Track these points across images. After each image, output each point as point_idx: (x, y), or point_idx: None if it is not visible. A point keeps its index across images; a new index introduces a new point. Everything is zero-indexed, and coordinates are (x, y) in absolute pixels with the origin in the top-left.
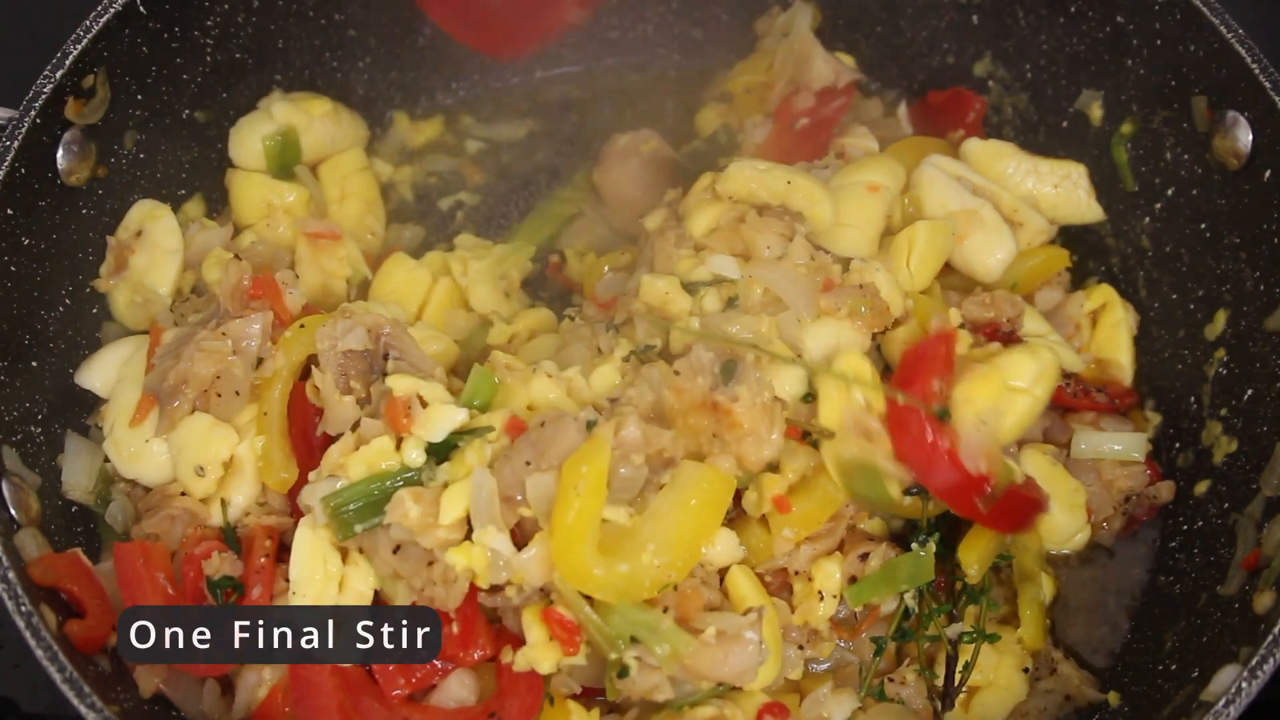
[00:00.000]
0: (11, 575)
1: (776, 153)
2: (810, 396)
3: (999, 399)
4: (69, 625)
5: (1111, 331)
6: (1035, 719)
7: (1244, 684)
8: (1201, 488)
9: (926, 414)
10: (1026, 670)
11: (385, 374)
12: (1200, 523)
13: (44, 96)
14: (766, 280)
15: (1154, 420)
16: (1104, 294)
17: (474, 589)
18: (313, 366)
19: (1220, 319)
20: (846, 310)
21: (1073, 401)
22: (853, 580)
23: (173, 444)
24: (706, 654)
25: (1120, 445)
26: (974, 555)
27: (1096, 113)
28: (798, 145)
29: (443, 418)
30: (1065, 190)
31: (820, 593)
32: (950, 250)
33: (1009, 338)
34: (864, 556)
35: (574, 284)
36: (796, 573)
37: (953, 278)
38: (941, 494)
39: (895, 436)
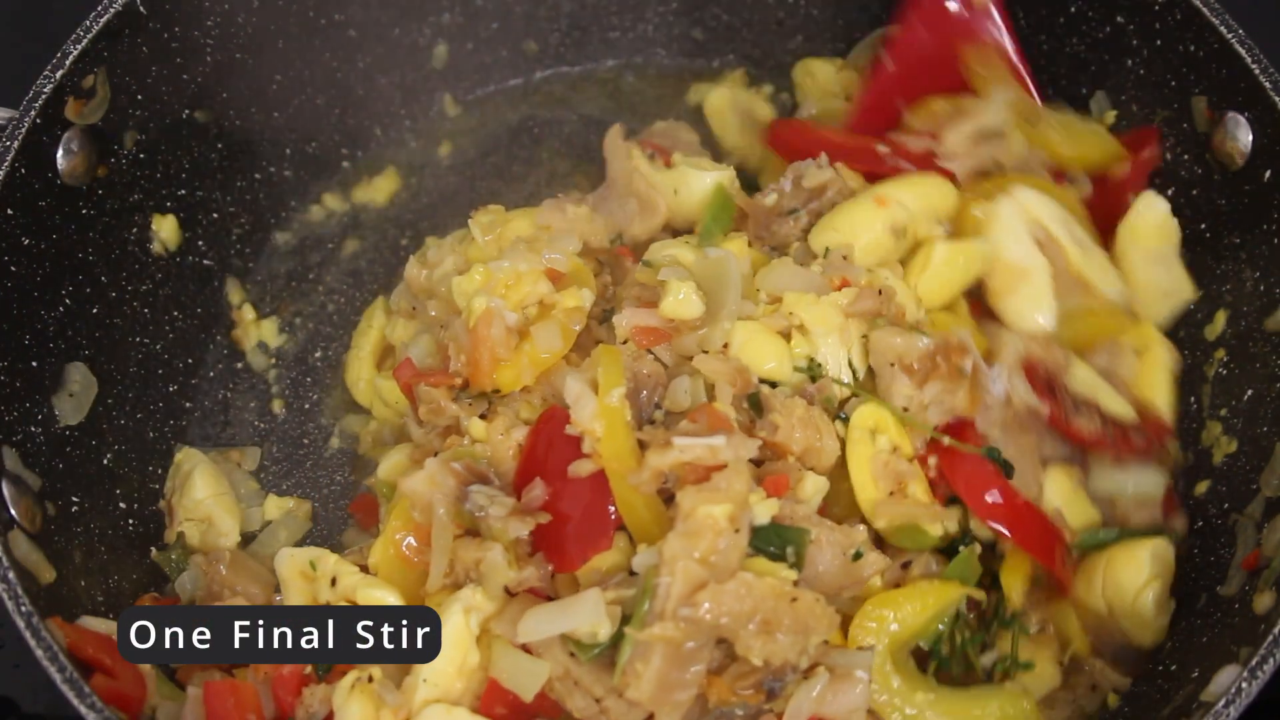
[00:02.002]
0: (12, 575)
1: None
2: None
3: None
4: (96, 680)
5: (1152, 374)
6: (1064, 706)
7: (1244, 684)
8: (1201, 488)
9: (993, 464)
10: (1061, 664)
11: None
12: (1200, 523)
13: (44, 96)
14: (773, 285)
15: (1176, 454)
16: (1146, 335)
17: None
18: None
19: (1220, 319)
20: (862, 313)
21: (1110, 449)
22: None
23: None
24: None
25: (1137, 485)
26: (1017, 579)
27: (1097, 113)
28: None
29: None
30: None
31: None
32: (972, 277)
33: (1051, 383)
34: (906, 565)
35: None
36: None
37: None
38: (1026, 544)
39: (965, 492)
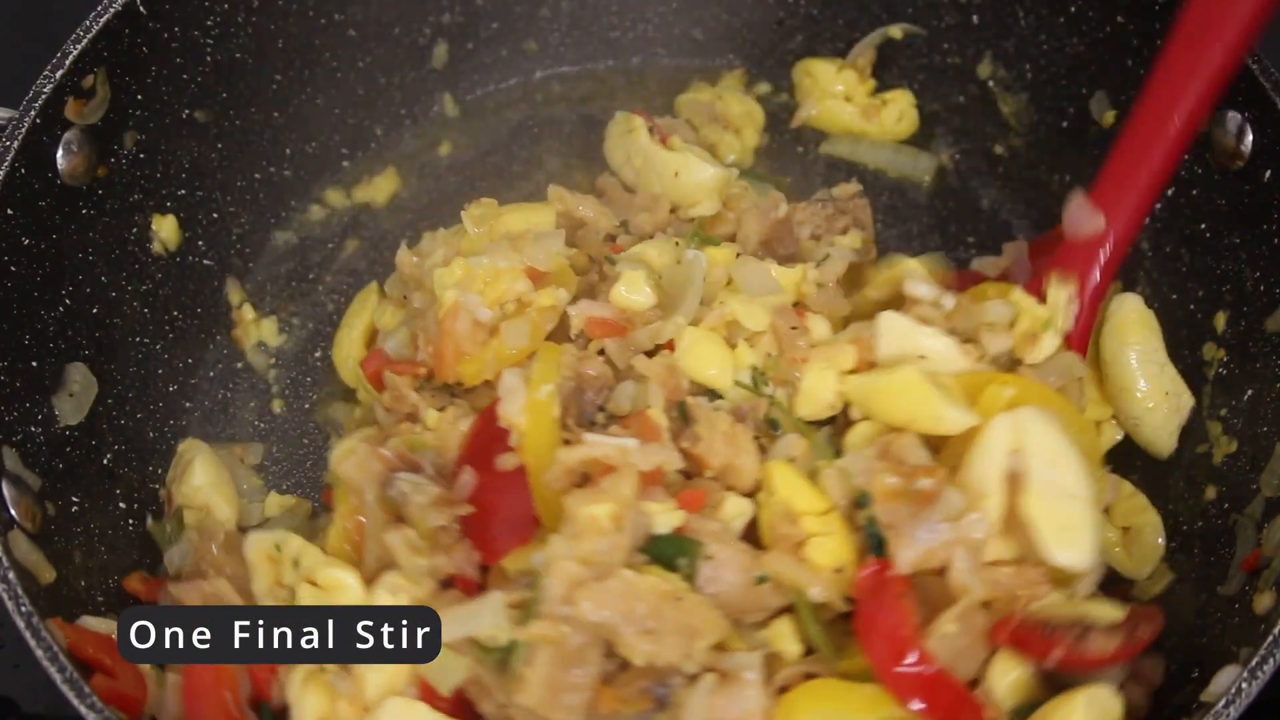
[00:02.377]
0: (12, 575)
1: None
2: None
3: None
4: (96, 680)
5: (1142, 548)
6: None
7: (1244, 684)
8: (1210, 493)
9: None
10: None
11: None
12: (1200, 523)
13: (44, 96)
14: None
15: None
16: (1136, 505)
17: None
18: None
19: (1220, 319)
20: (772, 325)
21: (1110, 661)
22: None
23: None
24: None
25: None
26: None
27: (1097, 113)
28: None
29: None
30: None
31: None
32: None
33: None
34: None
35: None
36: None
37: None
38: None
39: (875, 654)
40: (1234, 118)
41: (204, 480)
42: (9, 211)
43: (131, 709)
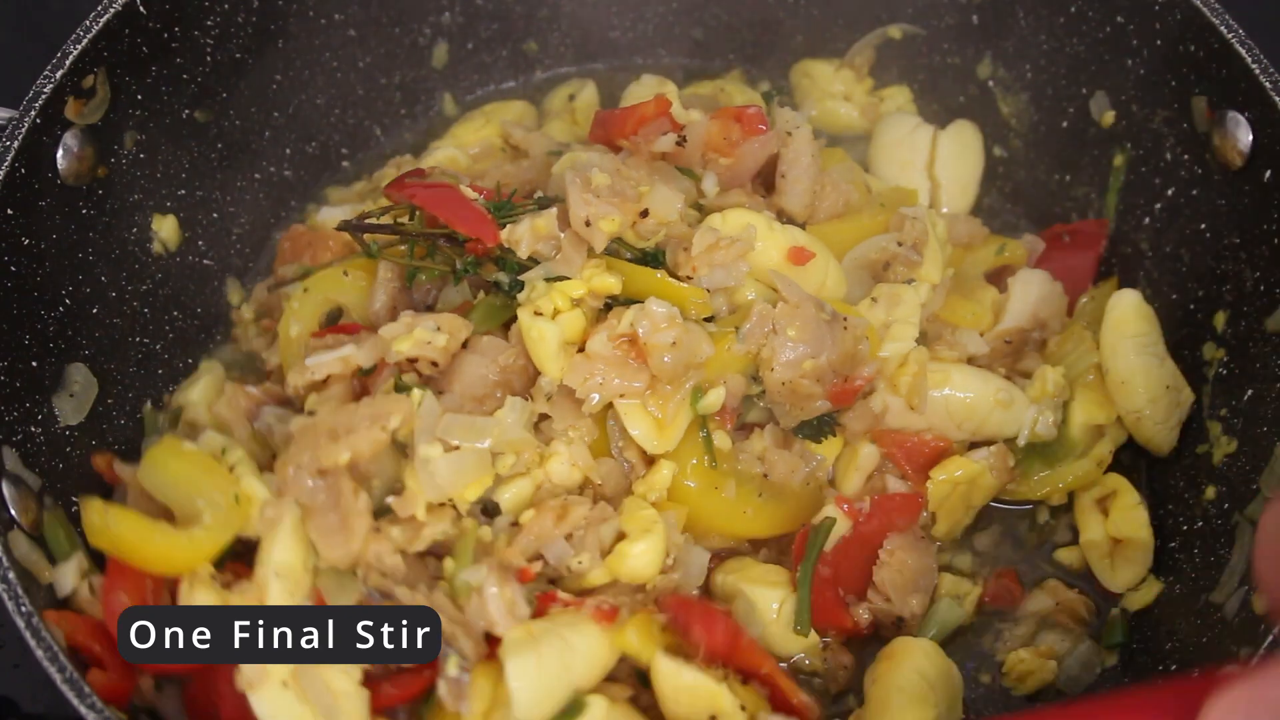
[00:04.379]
0: (12, 575)
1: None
2: None
3: None
4: (91, 675)
5: (1127, 514)
6: None
7: None
8: (1210, 493)
9: None
10: None
11: None
12: (1200, 523)
13: (44, 96)
14: None
15: None
16: (1114, 482)
17: None
18: None
19: (1220, 319)
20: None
21: None
22: None
23: None
24: None
25: None
26: None
27: (1097, 113)
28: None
29: None
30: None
31: None
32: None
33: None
34: None
35: None
36: None
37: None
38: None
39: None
40: (1234, 118)
41: (199, 399)
42: (9, 211)
43: (119, 700)
